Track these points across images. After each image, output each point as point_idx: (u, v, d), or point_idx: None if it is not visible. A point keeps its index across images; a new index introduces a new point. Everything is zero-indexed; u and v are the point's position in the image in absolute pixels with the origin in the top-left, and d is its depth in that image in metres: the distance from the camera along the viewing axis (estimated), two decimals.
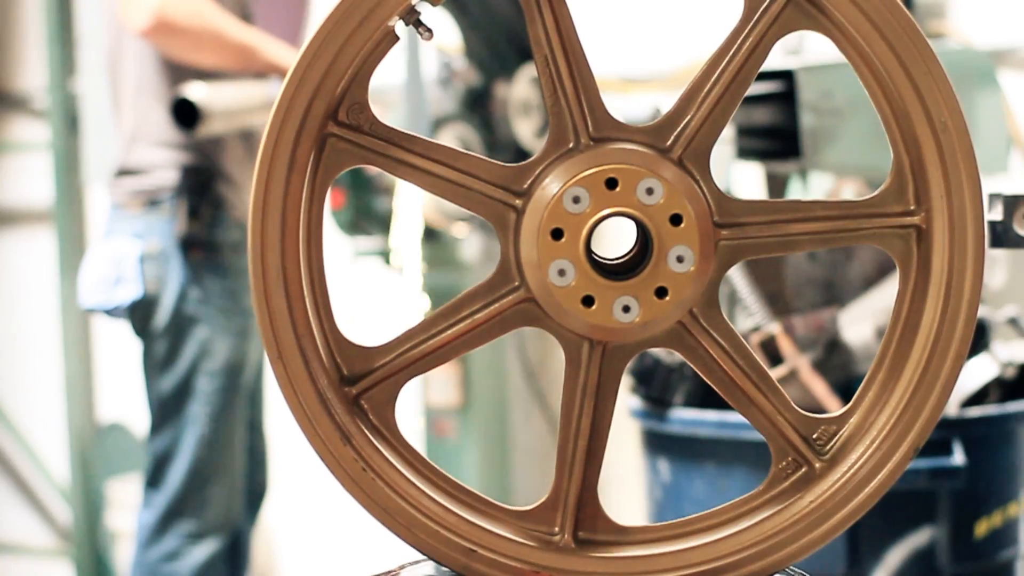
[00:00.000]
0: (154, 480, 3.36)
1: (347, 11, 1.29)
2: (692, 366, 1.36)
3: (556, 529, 1.36)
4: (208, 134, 3.19)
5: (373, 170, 3.44)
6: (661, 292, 1.31)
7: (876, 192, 1.34)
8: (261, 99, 3.24)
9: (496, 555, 1.34)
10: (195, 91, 3.11)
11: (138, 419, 4.76)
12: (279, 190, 1.30)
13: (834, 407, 2.58)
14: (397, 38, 1.32)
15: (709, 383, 1.37)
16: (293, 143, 1.30)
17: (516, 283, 1.33)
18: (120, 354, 4.76)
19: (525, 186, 1.32)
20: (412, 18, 1.32)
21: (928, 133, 1.31)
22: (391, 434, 1.36)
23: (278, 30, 3.45)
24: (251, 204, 1.31)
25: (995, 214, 1.73)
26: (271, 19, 3.53)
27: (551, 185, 1.31)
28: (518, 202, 1.32)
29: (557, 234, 1.30)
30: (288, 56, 3.30)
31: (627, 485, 3.33)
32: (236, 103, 3.19)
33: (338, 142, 1.32)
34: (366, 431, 1.34)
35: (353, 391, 1.35)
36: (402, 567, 1.47)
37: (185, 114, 3.12)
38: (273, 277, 1.31)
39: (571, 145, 1.32)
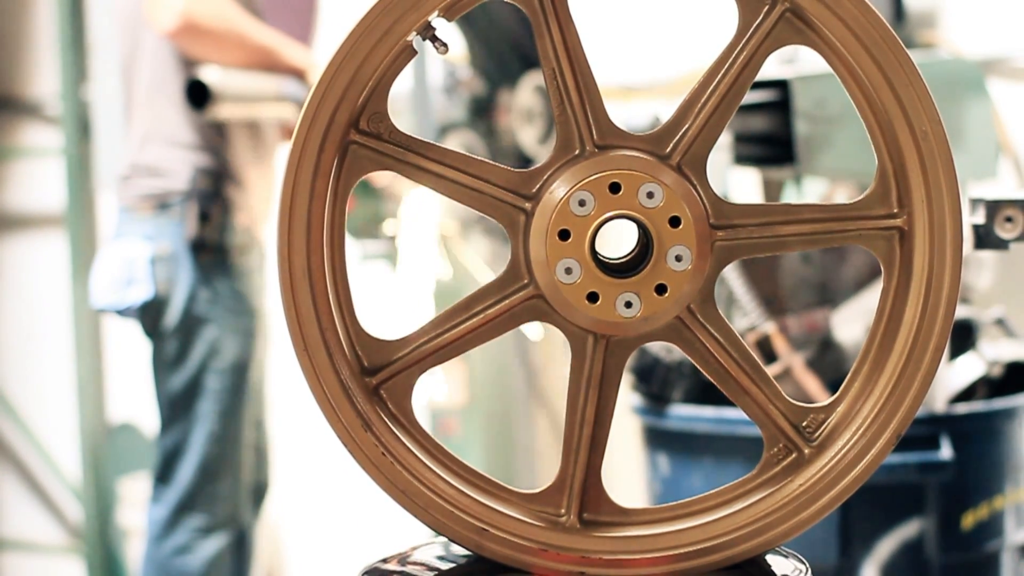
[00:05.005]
0: (164, 476, 3.41)
1: (368, 27, 1.36)
2: (689, 358, 1.43)
3: (562, 510, 1.42)
4: (217, 117, 3.24)
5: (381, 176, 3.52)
6: (661, 289, 1.38)
7: (861, 196, 1.41)
8: (272, 92, 3.29)
9: (506, 534, 1.41)
10: (209, 73, 3.17)
11: (149, 419, 4.81)
12: (305, 194, 1.38)
13: None
14: (415, 52, 1.39)
15: (705, 374, 1.43)
16: (318, 150, 1.37)
17: (525, 281, 1.40)
18: (131, 355, 4.80)
19: (534, 190, 1.39)
20: (428, 33, 1.39)
21: (910, 141, 1.37)
22: (408, 421, 1.43)
23: (289, 31, 3.51)
24: (278, 207, 1.38)
25: (978, 218, 1.81)
26: (282, 20, 3.58)
27: (558, 189, 1.38)
28: (527, 205, 1.39)
29: (564, 235, 1.37)
30: (306, 59, 3.35)
31: (628, 479, 3.40)
32: (247, 91, 3.24)
33: (359, 149, 1.39)
34: (385, 419, 1.41)
35: (373, 381, 1.42)
36: (415, 548, 1.55)
37: (197, 95, 3.18)
38: (299, 275, 1.38)
39: (577, 152, 1.39)
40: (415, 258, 3.66)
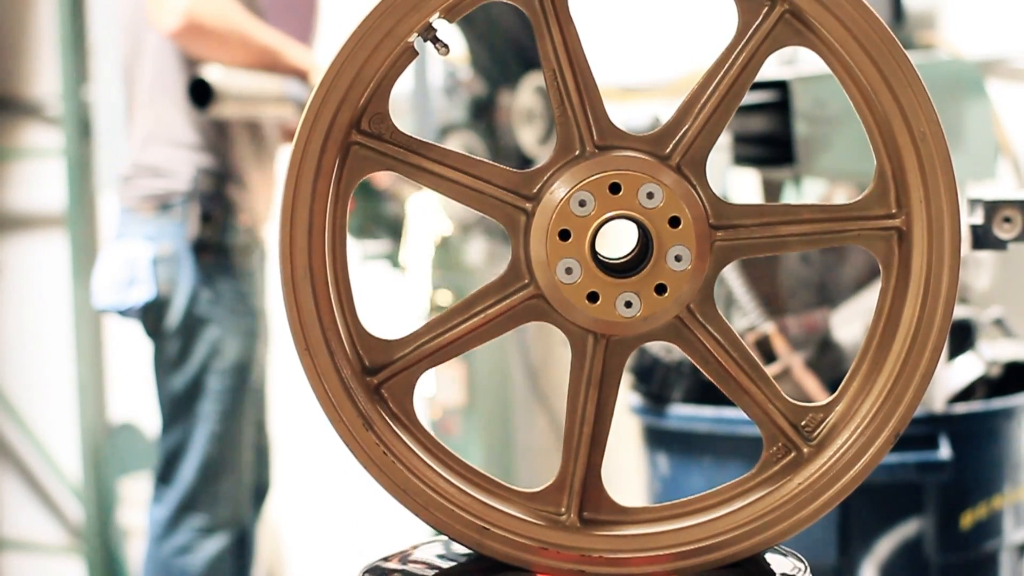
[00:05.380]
0: (165, 476, 3.41)
1: (370, 28, 1.37)
2: (689, 358, 1.44)
3: (563, 509, 1.43)
4: (220, 116, 3.24)
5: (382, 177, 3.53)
6: (660, 289, 1.39)
7: (860, 196, 1.42)
8: (275, 92, 3.29)
9: (507, 533, 1.42)
10: (212, 72, 3.18)
11: (149, 419, 4.82)
12: (307, 194, 1.39)
13: None
14: (416, 53, 1.40)
15: (705, 374, 1.44)
16: (320, 151, 1.38)
17: (526, 280, 1.41)
18: (132, 356, 4.82)
19: (534, 190, 1.40)
20: (429, 35, 1.40)
21: (908, 142, 1.38)
22: (409, 420, 1.44)
23: (289, 31, 3.51)
24: (280, 207, 1.39)
25: (976, 218, 1.82)
26: (282, 20, 3.59)
27: (559, 190, 1.39)
28: (528, 205, 1.40)
29: (564, 235, 1.38)
30: (308, 59, 3.36)
31: (627, 479, 3.41)
32: (250, 90, 3.24)
33: (361, 150, 1.40)
34: (386, 418, 1.42)
35: (374, 381, 1.43)
36: (415, 547, 1.56)
37: (200, 94, 3.19)
38: (301, 275, 1.39)
39: (577, 152, 1.40)
40: (416, 259, 3.67)
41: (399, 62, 1.40)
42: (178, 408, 3.39)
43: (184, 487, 3.38)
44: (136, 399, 4.95)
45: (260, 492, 3.64)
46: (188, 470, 3.38)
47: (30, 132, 5.46)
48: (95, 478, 5.21)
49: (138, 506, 4.86)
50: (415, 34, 1.39)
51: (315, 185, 1.39)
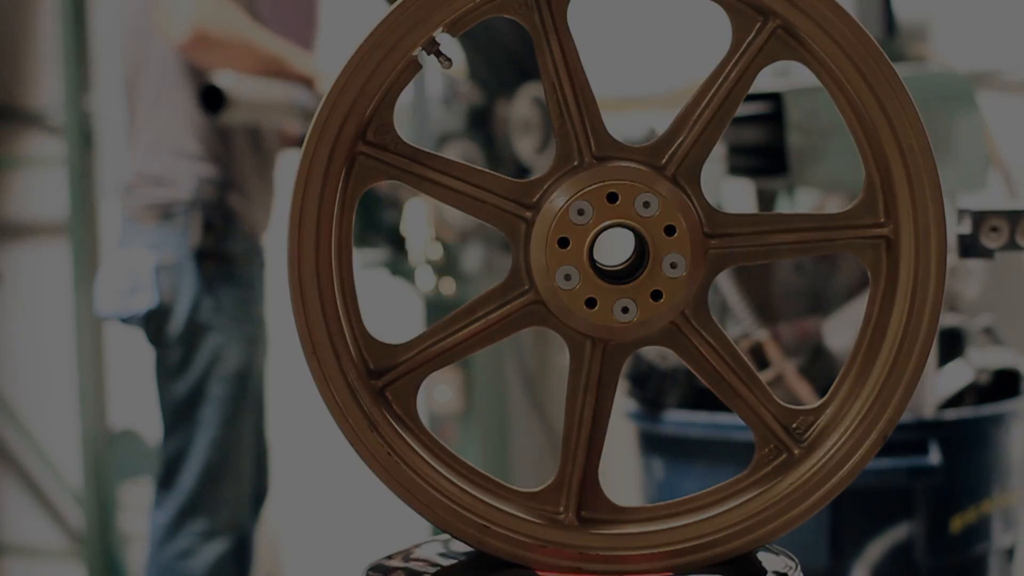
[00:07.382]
0: (167, 481, 3.42)
1: (376, 42, 1.41)
2: (684, 362, 1.47)
3: (561, 508, 1.46)
4: (230, 122, 3.27)
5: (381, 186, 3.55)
6: (656, 295, 1.42)
7: (850, 206, 1.45)
8: (283, 99, 3.30)
9: (507, 531, 1.45)
10: (223, 79, 3.20)
11: (149, 426, 4.84)
12: (314, 202, 1.42)
13: None
14: (420, 66, 1.44)
15: (699, 377, 1.47)
16: (327, 160, 1.42)
17: (526, 287, 1.44)
18: (132, 363, 4.84)
19: (534, 199, 1.44)
20: (433, 48, 1.44)
21: (896, 153, 1.41)
22: (412, 422, 1.47)
23: (290, 34, 3.53)
24: (288, 215, 1.42)
25: (964, 228, 1.85)
26: (282, 28, 3.61)
27: (558, 199, 1.42)
28: (528, 214, 1.44)
29: (563, 243, 1.42)
30: (313, 66, 3.39)
31: (623, 483, 3.44)
32: (261, 97, 3.26)
33: (366, 159, 1.44)
34: (390, 419, 1.45)
35: (379, 384, 1.46)
36: (417, 545, 1.59)
37: (211, 100, 3.21)
38: (308, 281, 1.42)
39: (576, 163, 1.44)
40: (415, 266, 3.70)
41: (403, 75, 1.44)
42: (180, 414, 3.41)
43: (185, 492, 3.40)
44: (136, 406, 4.97)
45: (258, 497, 3.66)
46: (189, 475, 3.39)
47: (32, 141, 5.47)
48: (96, 484, 5.21)
49: (138, 511, 4.87)
50: (420, 48, 1.43)
51: (322, 193, 1.42)
